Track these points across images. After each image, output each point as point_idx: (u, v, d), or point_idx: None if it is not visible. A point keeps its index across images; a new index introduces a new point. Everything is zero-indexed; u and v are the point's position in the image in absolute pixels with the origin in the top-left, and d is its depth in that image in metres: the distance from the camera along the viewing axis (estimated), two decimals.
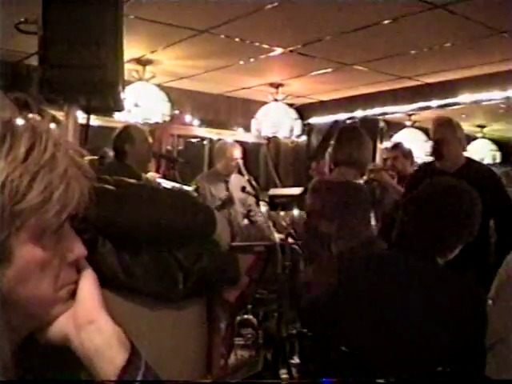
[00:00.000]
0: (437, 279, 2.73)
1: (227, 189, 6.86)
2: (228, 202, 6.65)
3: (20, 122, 0.98)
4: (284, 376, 3.53)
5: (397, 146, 7.14)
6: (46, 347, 1.07)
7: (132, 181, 2.30)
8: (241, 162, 6.96)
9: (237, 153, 6.96)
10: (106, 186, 2.01)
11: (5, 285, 0.94)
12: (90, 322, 1.03)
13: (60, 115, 3.57)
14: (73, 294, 1.06)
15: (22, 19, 3.78)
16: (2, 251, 0.93)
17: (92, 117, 4.08)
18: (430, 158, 5.53)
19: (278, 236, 6.08)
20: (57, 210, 0.96)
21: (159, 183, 5.53)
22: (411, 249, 2.78)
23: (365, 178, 5.41)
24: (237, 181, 6.89)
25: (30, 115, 0.93)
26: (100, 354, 1.02)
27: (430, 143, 8.69)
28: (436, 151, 5.02)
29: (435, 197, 2.82)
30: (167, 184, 5.56)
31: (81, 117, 3.75)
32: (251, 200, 6.86)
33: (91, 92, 3.30)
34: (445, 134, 4.93)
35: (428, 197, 2.84)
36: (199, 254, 2.15)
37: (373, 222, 4.78)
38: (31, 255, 0.96)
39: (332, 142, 5.03)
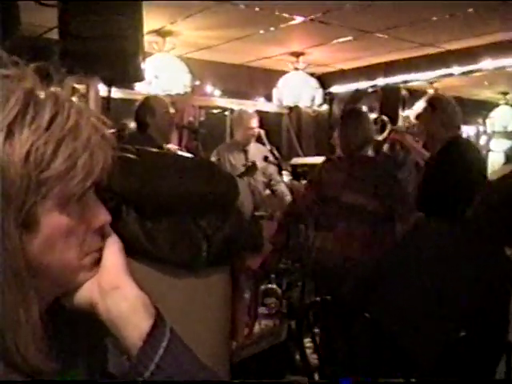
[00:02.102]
0: (464, 243, 2.74)
1: (246, 158, 6.87)
2: (252, 168, 6.65)
3: (42, 91, 0.98)
4: (308, 345, 3.55)
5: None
6: (73, 313, 1.08)
7: (154, 150, 2.32)
8: (262, 131, 6.97)
9: (254, 122, 6.97)
10: (129, 155, 2.03)
11: (32, 252, 0.96)
12: (115, 288, 1.04)
13: (82, 88, 3.58)
14: (98, 262, 1.07)
15: None
16: (28, 219, 0.94)
17: (113, 89, 4.09)
18: None
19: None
20: (81, 178, 0.96)
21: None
22: (440, 213, 2.81)
23: (384, 135, 5.55)
24: (256, 150, 6.90)
25: (52, 86, 0.93)
26: (125, 320, 1.03)
27: None
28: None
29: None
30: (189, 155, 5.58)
31: (102, 90, 3.76)
32: (272, 169, 6.87)
33: (112, 63, 3.31)
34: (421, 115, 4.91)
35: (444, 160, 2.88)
36: (222, 222, 2.17)
37: None
38: (57, 223, 0.97)
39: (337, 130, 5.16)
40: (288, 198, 6.73)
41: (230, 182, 2.34)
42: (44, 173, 0.93)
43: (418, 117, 4.94)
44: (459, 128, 4.89)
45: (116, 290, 1.04)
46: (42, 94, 0.98)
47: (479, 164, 4.65)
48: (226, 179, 2.34)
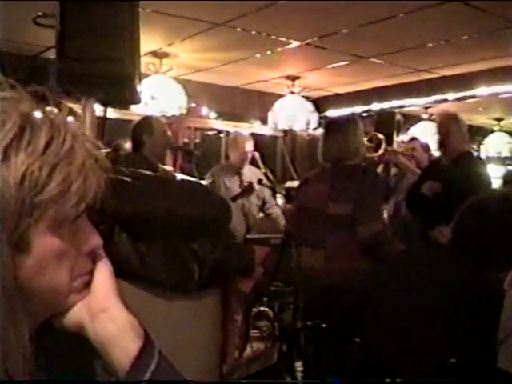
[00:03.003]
0: (450, 267, 2.76)
1: (241, 181, 6.88)
2: (248, 189, 6.65)
3: (38, 114, 0.99)
4: (299, 368, 3.54)
5: (415, 138, 7.20)
6: (62, 334, 1.09)
7: (147, 172, 2.32)
8: (256, 154, 6.98)
9: (249, 145, 6.99)
10: (122, 177, 2.03)
11: (23, 274, 0.96)
12: (104, 311, 1.05)
13: (77, 108, 3.59)
14: (88, 284, 1.07)
15: (40, 13, 3.81)
16: (21, 241, 0.95)
17: (109, 109, 4.11)
18: None
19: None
20: (75, 202, 0.97)
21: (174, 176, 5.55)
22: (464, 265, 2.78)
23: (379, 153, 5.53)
24: (250, 173, 6.92)
25: (48, 108, 0.94)
26: (113, 343, 1.03)
27: None
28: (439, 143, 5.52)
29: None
30: (183, 177, 5.58)
31: (98, 109, 3.77)
32: (267, 193, 6.88)
33: (108, 85, 3.32)
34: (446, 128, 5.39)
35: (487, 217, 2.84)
36: (214, 245, 2.17)
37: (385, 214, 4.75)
38: (49, 245, 0.98)
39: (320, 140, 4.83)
40: (283, 221, 6.74)
41: (223, 205, 2.35)
42: (38, 196, 0.94)
43: (441, 129, 5.44)
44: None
45: (105, 313, 1.05)
46: (38, 118, 0.98)
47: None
48: (218, 202, 2.34)
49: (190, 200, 2.17)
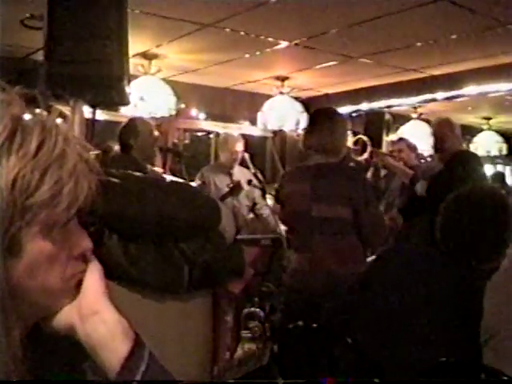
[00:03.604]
0: (434, 268, 2.77)
1: (231, 181, 6.88)
2: (236, 188, 6.65)
3: (29, 117, 0.99)
4: (291, 368, 3.54)
5: (402, 139, 7.23)
6: (52, 337, 1.08)
7: (137, 174, 2.32)
8: (246, 155, 6.97)
9: (239, 145, 6.99)
10: (112, 179, 2.03)
11: (14, 277, 0.96)
12: (94, 313, 1.05)
13: (66, 110, 3.58)
14: (79, 286, 1.07)
15: (28, 15, 3.80)
16: (13, 245, 0.95)
17: (98, 111, 4.09)
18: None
19: (283, 228, 6.12)
20: (66, 205, 0.97)
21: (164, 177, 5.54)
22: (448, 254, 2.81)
23: (365, 156, 5.54)
24: (241, 173, 6.91)
25: (38, 111, 0.94)
26: (104, 345, 1.03)
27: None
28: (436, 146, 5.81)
29: (473, 207, 2.86)
30: (172, 179, 5.58)
31: (87, 111, 3.76)
32: (257, 193, 6.87)
33: (97, 86, 3.31)
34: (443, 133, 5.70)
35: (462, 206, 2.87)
36: (204, 246, 2.17)
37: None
38: (40, 249, 0.98)
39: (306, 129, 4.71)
40: (273, 222, 6.73)
41: (213, 206, 2.35)
42: (29, 199, 0.94)
43: (436, 134, 5.78)
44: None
45: (95, 315, 1.05)
46: (29, 121, 0.98)
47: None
48: (208, 204, 2.34)
49: (180, 201, 2.17)
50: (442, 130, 5.70)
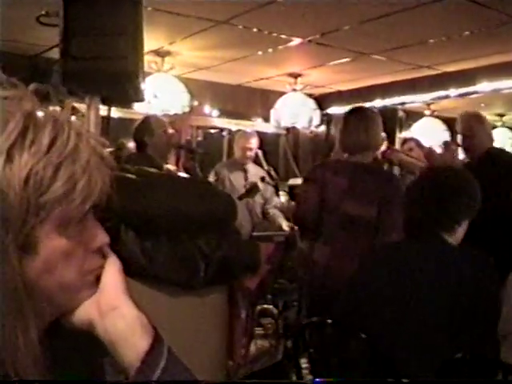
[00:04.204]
0: (448, 260, 2.77)
1: (246, 178, 6.89)
2: (253, 189, 6.66)
3: (41, 113, 0.99)
4: (304, 365, 3.54)
5: (411, 138, 7.19)
6: (71, 333, 1.08)
7: (153, 170, 2.33)
8: (259, 152, 6.98)
9: (253, 142, 7.00)
10: (128, 175, 2.04)
11: (32, 275, 0.96)
12: (114, 309, 1.04)
13: (82, 107, 3.59)
14: (98, 280, 1.07)
15: (43, 12, 3.81)
16: (29, 243, 0.94)
17: (112, 108, 4.10)
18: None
19: (286, 225, 6.16)
20: (80, 200, 0.97)
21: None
22: (418, 232, 2.85)
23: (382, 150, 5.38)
24: (254, 170, 6.92)
25: (51, 107, 0.94)
26: (123, 340, 1.03)
27: (448, 132, 8.74)
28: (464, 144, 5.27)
29: (426, 180, 3.01)
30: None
31: (102, 108, 3.76)
32: (269, 190, 6.88)
33: (112, 83, 3.31)
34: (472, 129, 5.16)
35: (421, 182, 2.97)
36: (220, 242, 2.17)
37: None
38: (57, 245, 0.98)
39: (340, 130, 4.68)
40: (280, 220, 6.75)
41: (229, 202, 2.36)
42: (43, 196, 0.94)
43: (467, 129, 5.20)
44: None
45: (115, 310, 1.04)
46: (41, 117, 0.98)
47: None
48: (224, 200, 2.35)
49: (196, 197, 2.18)
50: (470, 124, 5.19)
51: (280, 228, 6.57)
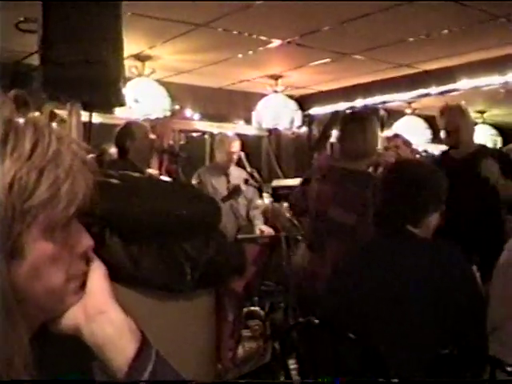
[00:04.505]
0: (419, 254, 2.79)
1: (228, 181, 6.90)
2: (235, 191, 6.67)
3: (21, 119, 0.98)
4: (293, 366, 3.54)
5: (397, 135, 7.19)
6: (59, 338, 1.08)
7: (136, 174, 2.32)
8: (242, 154, 6.98)
9: (235, 145, 7.00)
10: (112, 180, 2.03)
11: (19, 280, 0.95)
12: (101, 313, 1.04)
13: (63, 113, 3.58)
14: (83, 286, 1.07)
15: (22, 18, 3.80)
16: (15, 248, 0.94)
17: (93, 114, 4.09)
18: (430, 146, 5.70)
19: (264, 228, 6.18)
20: (65, 204, 0.97)
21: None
22: (387, 228, 2.88)
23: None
24: (237, 173, 6.92)
25: (30, 113, 0.94)
26: (111, 344, 1.03)
27: (430, 130, 8.75)
28: (449, 139, 5.04)
29: (390, 175, 3.06)
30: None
31: (83, 114, 3.75)
32: (252, 193, 6.89)
33: (93, 88, 3.31)
34: (456, 122, 4.93)
35: (386, 177, 3.00)
36: (206, 245, 2.18)
37: None
38: (43, 250, 0.97)
39: (335, 132, 4.67)
40: (257, 222, 6.78)
41: (213, 205, 2.36)
42: (28, 201, 0.93)
43: (450, 123, 4.97)
44: None
45: (102, 315, 1.04)
46: (21, 123, 0.98)
47: None
48: (208, 202, 2.35)
49: (181, 201, 2.18)
50: (454, 119, 4.92)
51: (260, 231, 6.59)
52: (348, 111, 8.74)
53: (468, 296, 2.65)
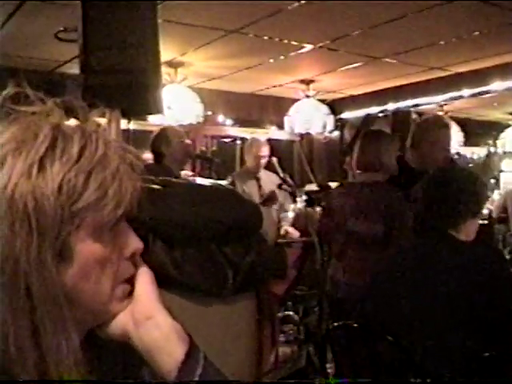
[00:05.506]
0: (462, 256, 2.79)
1: (259, 186, 6.91)
2: (272, 198, 6.68)
3: (69, 124, 1.02)
4: (330, 370, 3.54)
5: None
6: (108, 343, 1.10)
7: (178, 180, 2.34)
8: (274, 159, 6.99)
9: (264, 150, 7.02)
10: (153, 185, 2.05)
11: (68, 282, 0.98)
12: (148, 318, 1.06)
13: (103, 121, 3.60)
14: (129, 293, 1.08)
15: (61, 28, 3.85)
16: (64, 250, 0.96)
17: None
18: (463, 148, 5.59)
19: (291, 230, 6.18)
20: (112, 207, 0.99)
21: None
22: (428, 231, 2.89)
23: None
24: (267, 178, 6.93)
25: (77, 119, 0.96)
26: (159, 349, 1.04)
27: (462, 133, 8.68)
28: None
29: (433, 181, 3.07)
30: (204, 181, 5.60)
31: (122, 122, 3.78)
32: (285, 197, 6.89)
33: (133, 95, 3.33)
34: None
35: (428, 183, 3.05)
36: (247, 249, 2.18)
37: None
38: (91, 252, 0.99)
39: (355, 148, 4.64)
40: (285, 225, 6.78)
41: (254, 209, 2.36)
42: (76, 204, 0.96)
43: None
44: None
45: (149, 320, 1.06)
46: (69, 127, 1.01)
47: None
48: (249, 207, 2.36)
49: (222, 205, 2.18)
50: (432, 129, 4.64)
51: (285, 232, 6.59)
52: (380, 114, 8.75)
53: (510, 299, 2.64)
